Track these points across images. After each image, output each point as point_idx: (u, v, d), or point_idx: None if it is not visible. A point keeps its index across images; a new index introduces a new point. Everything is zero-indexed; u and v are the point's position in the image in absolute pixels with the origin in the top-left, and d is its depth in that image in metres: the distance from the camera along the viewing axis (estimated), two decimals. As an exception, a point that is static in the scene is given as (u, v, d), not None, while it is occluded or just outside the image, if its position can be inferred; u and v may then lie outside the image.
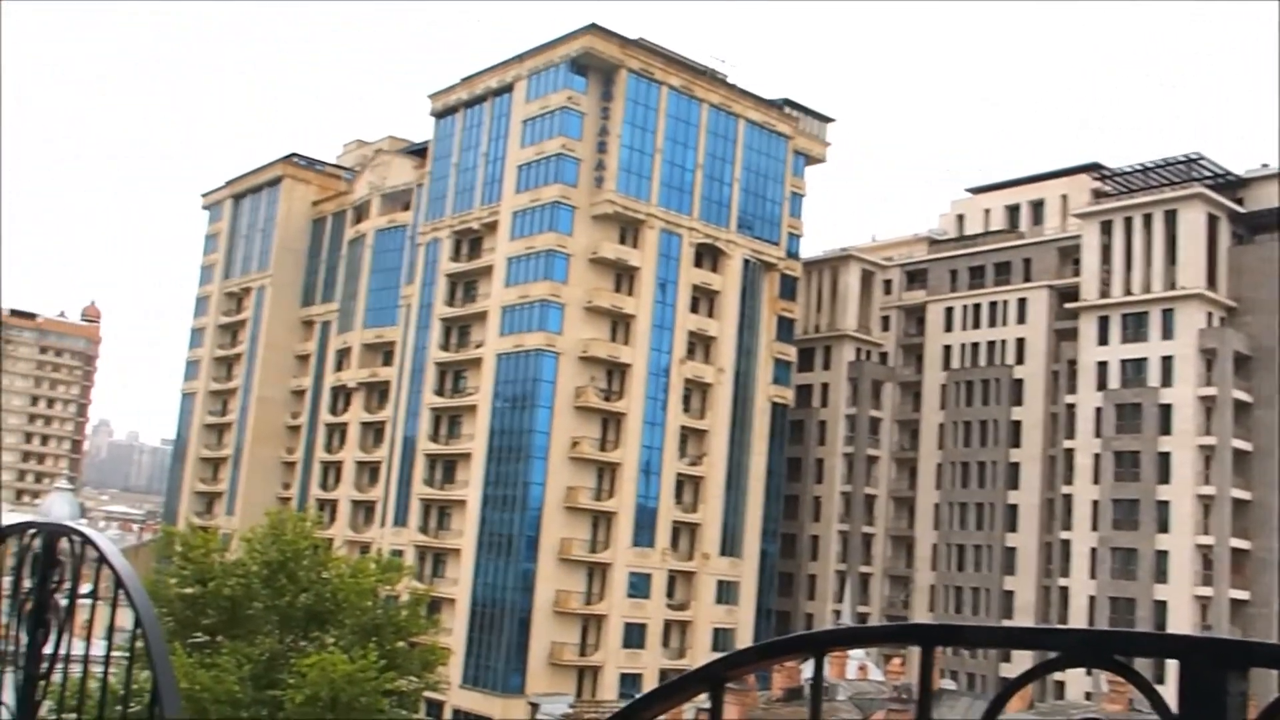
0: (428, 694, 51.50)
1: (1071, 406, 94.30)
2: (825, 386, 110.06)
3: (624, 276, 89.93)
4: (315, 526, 46.53)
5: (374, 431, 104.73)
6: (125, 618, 3.83)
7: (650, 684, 75.20)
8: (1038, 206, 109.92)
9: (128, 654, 3.99)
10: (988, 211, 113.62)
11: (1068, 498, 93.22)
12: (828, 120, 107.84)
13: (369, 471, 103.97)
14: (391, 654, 39.52)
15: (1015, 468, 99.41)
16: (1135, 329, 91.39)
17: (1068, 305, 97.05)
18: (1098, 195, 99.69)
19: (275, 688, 36.87)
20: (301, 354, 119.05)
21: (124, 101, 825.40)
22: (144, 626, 3.47)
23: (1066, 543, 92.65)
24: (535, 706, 57.22)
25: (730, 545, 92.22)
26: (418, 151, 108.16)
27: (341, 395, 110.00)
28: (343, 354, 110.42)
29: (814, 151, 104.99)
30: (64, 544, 4.38)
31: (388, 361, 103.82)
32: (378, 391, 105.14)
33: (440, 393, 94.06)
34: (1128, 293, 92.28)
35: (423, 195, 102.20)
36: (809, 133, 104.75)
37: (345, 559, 47.90)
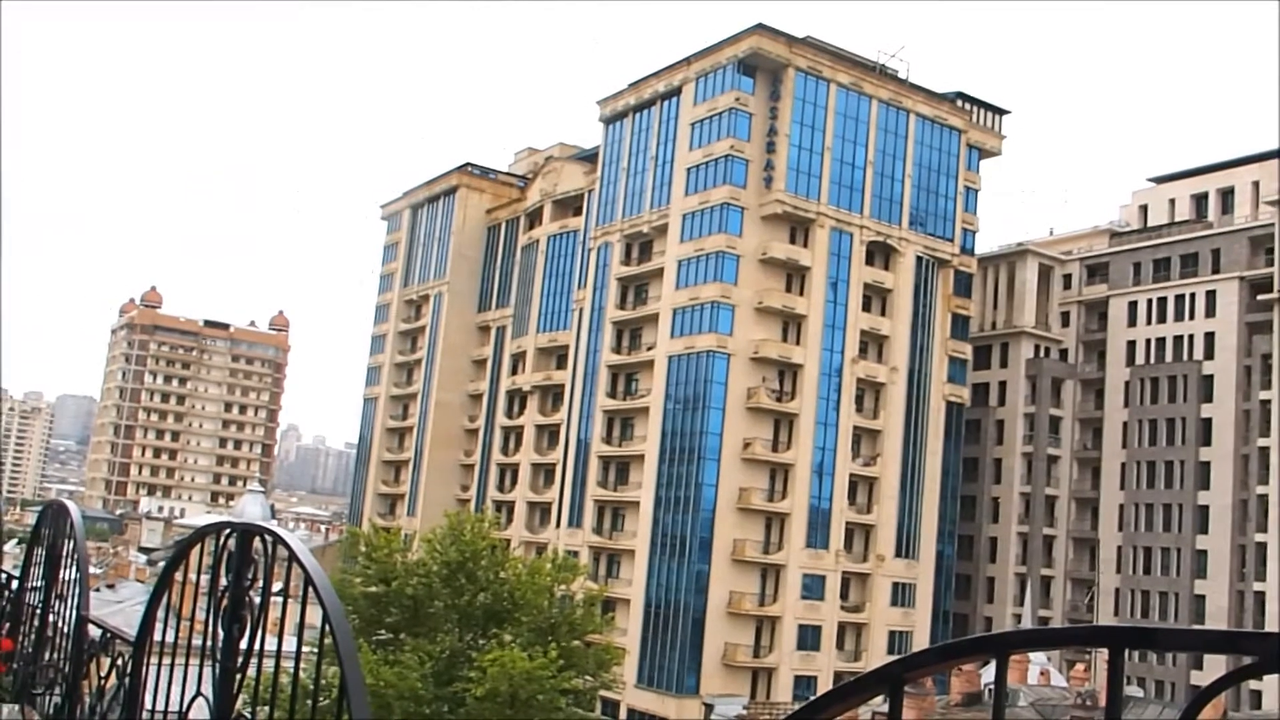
0: (603, 693, 51.95)
1: (1266, 403, 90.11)
2: (1003, 385, 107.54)
3: (794, 276, 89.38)
4: (493, 527, 47.40)
5: (549, 434, 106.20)
6: (314, 615, 3.96)
7: (825, 687, 74.44)
8: (1226, 195, 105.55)
9: (317, 650, 4.13)
10: (1173, 201, 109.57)
11: (1263, 498, 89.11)
12: (1002, 112, 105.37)
13: (544, 473, 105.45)
14: (568, 653, 39.97)
15: (1205, 467, 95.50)
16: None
17: (1260, 297, 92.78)
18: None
19: (455, 684, 37.63)
20: (478, 359, 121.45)
21: (302, 116, 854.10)
22: (332, 624, 3.58)
23: (1262, 545, 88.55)
24: (710, 707, 57.16)
25: (906, 547, 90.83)
26: (588, 157, 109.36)
27: (517, 399, 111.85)
28: (518, 358, 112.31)
29: (988, 145, 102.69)
30: (257, 543, 4.54)
31: (561, 365, 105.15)
32: (552, 394, 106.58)
33: (613, 395, 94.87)
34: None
35: (593, 200, 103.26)
36: (983, 126, 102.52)
37: (522, 559, 48.64)
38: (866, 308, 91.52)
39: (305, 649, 4.34)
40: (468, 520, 45.01)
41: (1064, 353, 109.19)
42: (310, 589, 3.88)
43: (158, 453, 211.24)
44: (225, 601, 4.52)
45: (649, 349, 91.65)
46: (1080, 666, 60.58)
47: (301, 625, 4.25)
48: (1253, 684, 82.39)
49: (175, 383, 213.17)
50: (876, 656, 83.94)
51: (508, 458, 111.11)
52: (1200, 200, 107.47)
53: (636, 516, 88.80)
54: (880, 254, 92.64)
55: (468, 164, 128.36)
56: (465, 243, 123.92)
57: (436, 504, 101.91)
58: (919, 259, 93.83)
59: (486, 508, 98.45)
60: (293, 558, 4.07)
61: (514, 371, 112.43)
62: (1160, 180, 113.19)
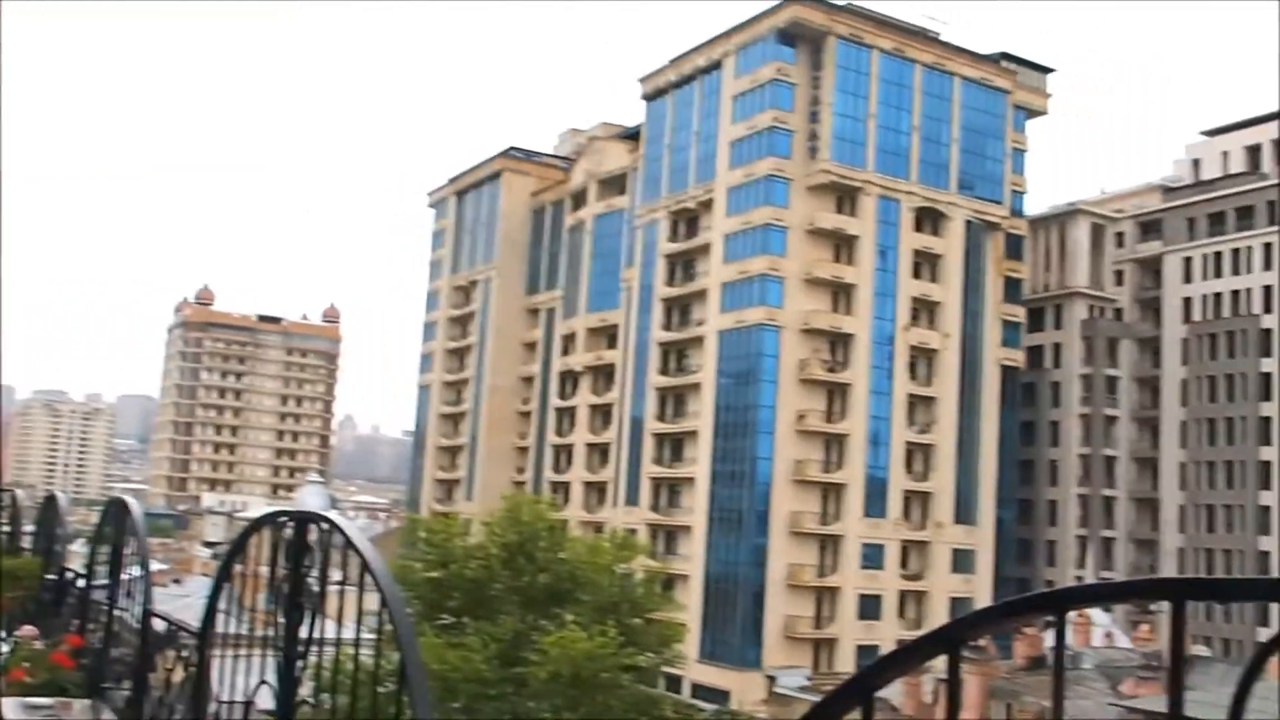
0: (666, 669, 52.11)
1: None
2: (1057, 346, 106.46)
3: (843, 246, 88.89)
4: (550, 509, 47.57)
5: (602, 414, 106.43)
6: (373, 601, 3.98)
7: (889, 656, 74.27)
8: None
9: (377, 635, 4.15)
10: (1226, 154, 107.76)
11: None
12: (1047, 71, 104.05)
13: (599, 453, 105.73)
14: (629, 630, 40.10)
15: (1267, 422, 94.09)
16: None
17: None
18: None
19: (519, 666, 37.86)
20: (529, 341, 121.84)
21: (348, 107, 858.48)
22: (390, 608, 3.60)
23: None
24: (772, 679, 57.28)
25: (964, 513, 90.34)
26: (631, 136, 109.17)
27: (569, 380, 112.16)
28: (568, 339, 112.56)
29: (1035, 104, 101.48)
30: (313, 532, 4.57)
31: (612, 344, 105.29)
32: (604, 374, 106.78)
33: (665, 372, 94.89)
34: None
35: (638, 179, 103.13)
36: (1028, 85, 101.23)
37: (581, 539, 48.84)
38: (916, 274, 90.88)
39: (366, 635, 4.37)
40: (525, 502, 45.23)
41: (1119, 312, 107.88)
42: (367, 574, 3.89)
43: (217, 448, 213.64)
44: (285, 590, 4.55)
45: (699, 325, 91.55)
46: (1145, 627, 60.06)
47: (359, 610, 4.28)
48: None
49: (231, 378, 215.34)
50: (938, 623, 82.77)
51: (562, 439, 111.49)
52: (1254, 152, 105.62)
53: (693, 492, 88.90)
54: (929, 220, 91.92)
55: (511, 148, 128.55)
56: (512, 227, 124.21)
57: (493, 488, 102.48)
58: (968, 223, 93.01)
59: (543, 489, 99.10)
60: (349, 544, 4.08)
61: (565, 353, 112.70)
62: (1212, 133, 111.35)
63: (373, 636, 4.19)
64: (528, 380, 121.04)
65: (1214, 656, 65.87)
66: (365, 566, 3.90)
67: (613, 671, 36.98)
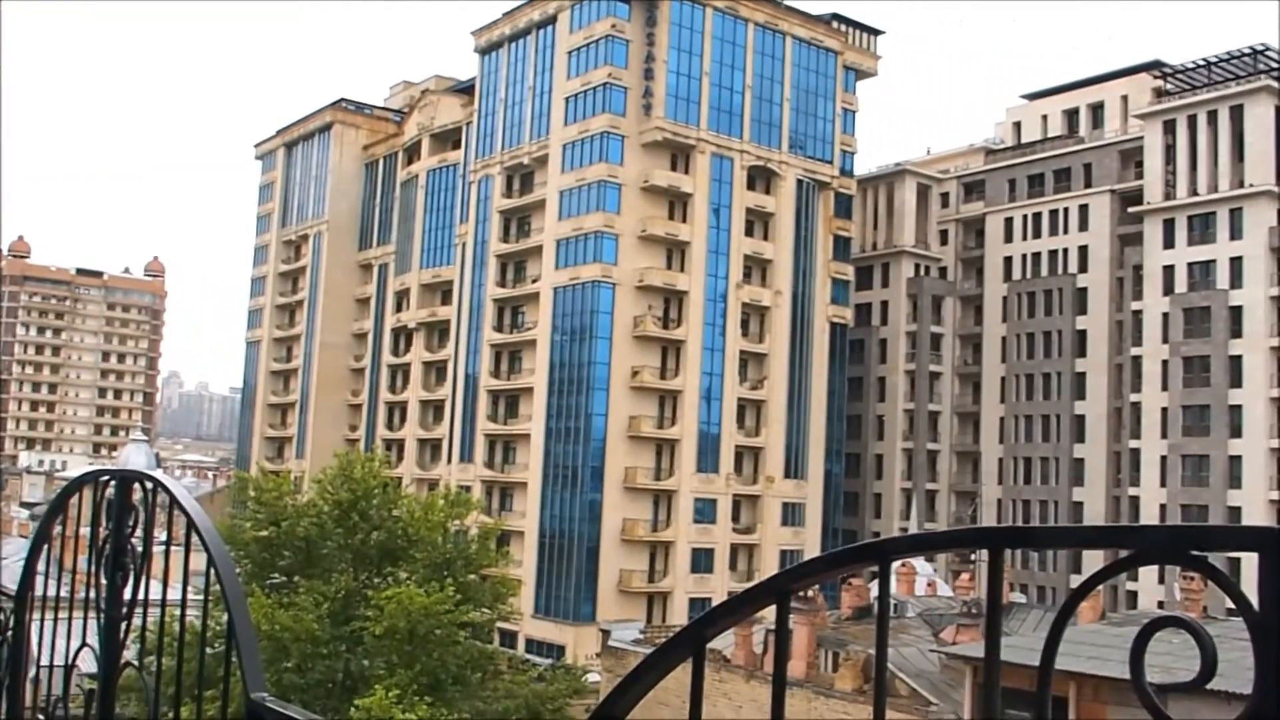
0: (501, 625, 52.23)
1: (1138, 313, 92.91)
2: (885, 304, 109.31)
3: (677, 203, 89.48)
4: (383, 466, 47.01)
5: (436, 370, 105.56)
6: (200, 561, 3.90)
7: (721, 607, 75.66)
8: (1097, 110, 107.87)
9: (205, 597, 4.06)
10: (1045, 118, 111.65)
11: (1136, 406, 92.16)
12: (877, 33, 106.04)
13: (433, 410, 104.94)
14: (464, 587, 40.04)
15: (1081, 378, 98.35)
16: (1202, 230, 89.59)
17: (1131, 210, 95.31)
18: (1159, 95, 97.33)
19: (353, 624, 37.55)
20: (361, 297, 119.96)
21: (168, 55, 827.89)
22: (217, 568, 3.53)
23: (1136, 452, 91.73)
24: (606, 634, 57.82)
25: (795, 467, 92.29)
26: (465, 90, 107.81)
27: (403, 336, 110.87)
28: (401, 295, 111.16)
29: (864, 66, 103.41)
30: (137, 491, 4.45)
31: (446, 301, 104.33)
32: (438, 331, 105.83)
33: (500, 329, 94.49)
34: (1193, 193, 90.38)
35: (472, 133, 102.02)
36: (858, 47, 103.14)
37: (415, 496, 48.48)
38: (749, 232, 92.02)
39: (193, 596, 4.27)
40: (358, 459, 44.63)
41: (943, 271, 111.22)
42: (194, 534, 3.81)
43: (35, 405, 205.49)
44: (107, 551, 4.42)
45: (534, 281, 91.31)
46: (965, 576, 62.30)
47: (186, 570, 4.18)
48: (1129, 584, 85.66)
49: (49, 334, 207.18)
50: (768, 575, 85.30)
51: (395, 396, 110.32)
52: (1072, 116, 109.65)
53: (528, 449, 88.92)
54: (761, 178, 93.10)
55: (342, 99, 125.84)
56: (343, 180, 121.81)
57: (325, 445, 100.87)
58: (799, 182, 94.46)
59: (376, 446, 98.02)
60: (174, 503, 3.99)
61: (398, 309, 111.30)
62: (1033, 97, 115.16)
63: (199, 598, 4.11)
64: (360, 337, 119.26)
65: (1030, 603, 68.85)
66: (191, 525, 3.81)
67: (448, 627, 36.88)
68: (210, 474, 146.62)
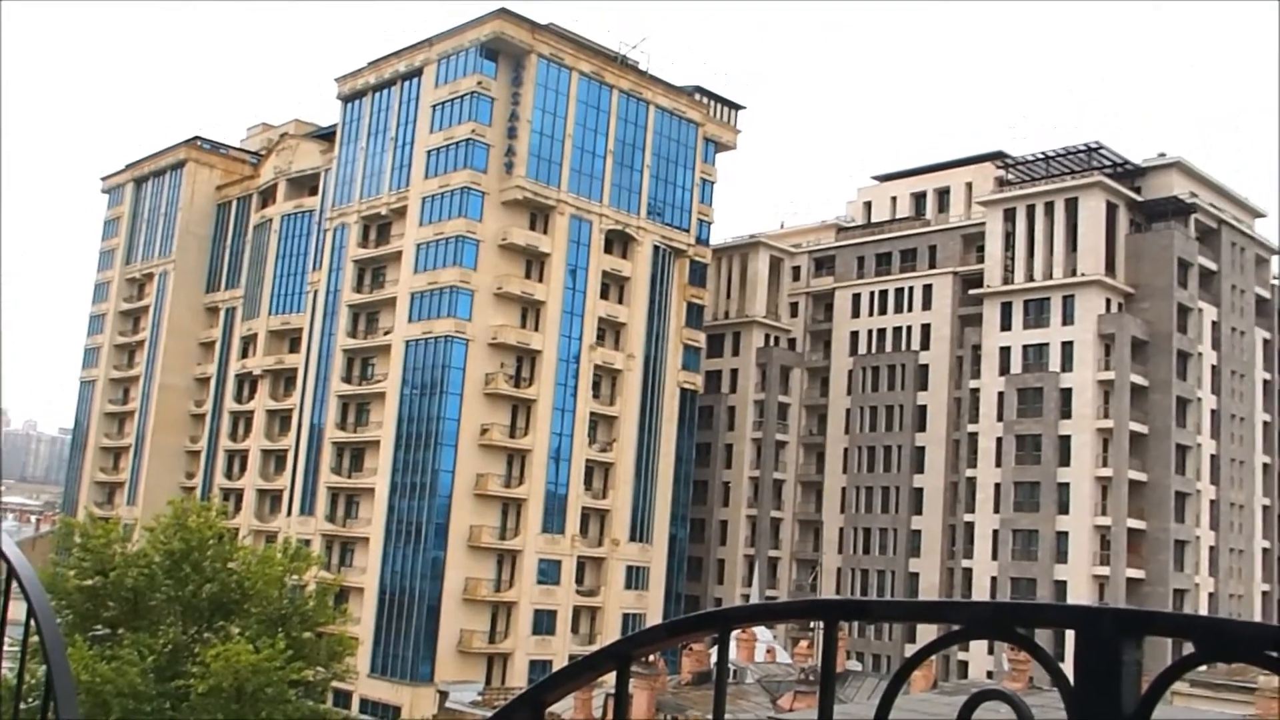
0: (336, 684, 50.98)
1: (975, 391, 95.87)
2: (734, 372, 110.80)
3: (534, 263, 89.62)
4: (220, 516, 45.71)
5: (280, 419, 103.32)
6: (20, 611, 3.73)
7: (561, 670, 75.06)
8: (943, 194, 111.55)
9: (23, 648, 3.89)
10: (894, 199, 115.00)
11: (971, 481, 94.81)
12: (738, 108, 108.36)
13: (275, 460, 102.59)
14: (299, 644, 39.07)
15: (920, 452, 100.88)
16: (1037, 314, 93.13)
17: (972, 291, 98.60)
18: (1001, 183, 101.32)
19: (179, 680, 36.30)
20: (206, 341, 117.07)
21: (19, 80, 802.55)
22: (37, 617, 3.38)
23: (970, 525, 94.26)
24: (444, 695, 56.97)
25: (640, 531, 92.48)
26: (325, 136, 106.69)
27: (247, 383, 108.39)
28: (248, 341, 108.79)
29: (724, 139, 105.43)
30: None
31: (294, 349, 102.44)
32: (284, 379, 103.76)
33: (348, 380, 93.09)
34: (1030, 279, 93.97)
35: (330, 180, 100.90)
36: (719, 120, 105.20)
37: (252, 548, 47.27)
38: (605, 295, 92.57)
39: (10, 646, 4.09)
40: (193, 508, 43.38)
41: (792, 342, 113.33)
42: (13, 581, 3.65)
43: None
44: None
45: (386, 333, 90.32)
46: (804, 644, 63.01)
47: (3, 621, 4.00)
48: (960, 655, 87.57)
49: None
50: (611, 638, 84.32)
51: (236, 444, 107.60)
52: (919, 199, 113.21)
53: (371, 503, 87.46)
54: (619, 242, 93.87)
55: (196, 137, 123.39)
56: (193, 220, 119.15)
57: (159, 492, 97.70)
58: (656, 248, 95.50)
59: (213, 495, 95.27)
60: (-6, 548, 3.81)
61: (244, 355, 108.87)
62: (883, 179, 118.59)
63: (16, 648, 3.94)
64: (203, 381, 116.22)
65: (865, 671, 69.86)
66: (10, 572, 3.65)
67: (279, 685, 35.92)
68: (34, 518, 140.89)
